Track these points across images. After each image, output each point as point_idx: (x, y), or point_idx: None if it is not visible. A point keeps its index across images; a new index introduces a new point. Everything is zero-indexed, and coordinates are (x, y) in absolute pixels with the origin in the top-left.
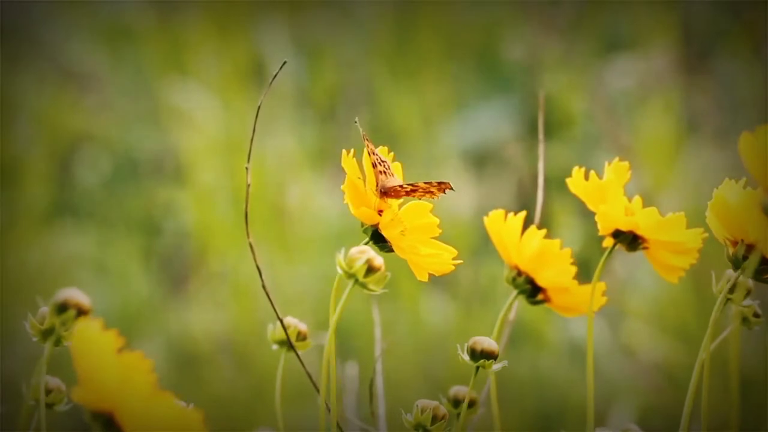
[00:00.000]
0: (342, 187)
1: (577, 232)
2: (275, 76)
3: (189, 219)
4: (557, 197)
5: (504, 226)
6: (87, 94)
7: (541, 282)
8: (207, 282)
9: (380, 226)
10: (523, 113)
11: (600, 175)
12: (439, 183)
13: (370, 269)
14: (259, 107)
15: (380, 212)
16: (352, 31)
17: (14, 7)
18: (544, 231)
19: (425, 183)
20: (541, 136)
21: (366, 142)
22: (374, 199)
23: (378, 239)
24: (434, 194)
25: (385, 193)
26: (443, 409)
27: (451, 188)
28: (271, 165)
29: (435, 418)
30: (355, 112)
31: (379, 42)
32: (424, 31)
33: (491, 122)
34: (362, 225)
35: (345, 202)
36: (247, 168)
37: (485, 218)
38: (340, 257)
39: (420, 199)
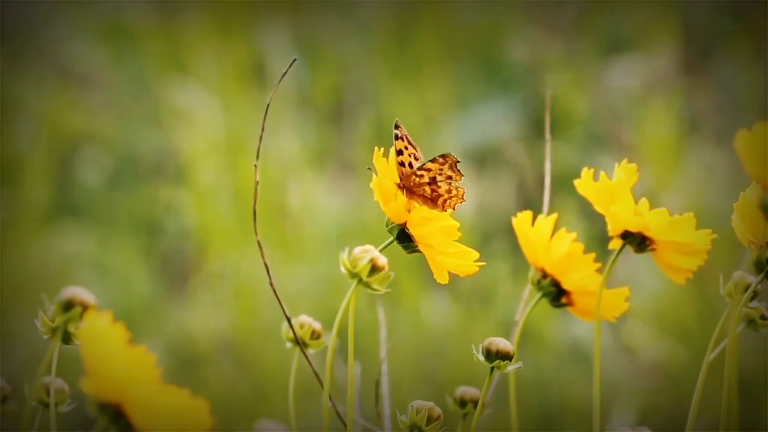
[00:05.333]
0: (371, 184)
1: (579, 232)
2: (285, 73)
3: (189, 219)
4: (559, 197)
5: (533, 228)
6: (87, 93)
7: (566, 285)
8: (207, 282)
9: (408, 225)
10: (524, 113)
11: (605, 176)
12: (443, 157)
13: (374, 269)
14: (268, 105)
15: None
16: (352, 31)
17: (14, 7)
18: (575, 234)
19: (430, 162)
20: (548, 135)
21: (399, 132)
22: (402, 198)
23: (403, 239)
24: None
25: (407, 188)
26: (438, 410)
27: (457, 160)
28: (272, 165)
29: (430, 419)
30: (355, 112)
31: (380, 42)
32: (425, 31)
33: (492, 122)
34: (387, 224)
35: (375, 199)
36: (255, 165)
37: (513, 219)
38: (343, 256)
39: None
